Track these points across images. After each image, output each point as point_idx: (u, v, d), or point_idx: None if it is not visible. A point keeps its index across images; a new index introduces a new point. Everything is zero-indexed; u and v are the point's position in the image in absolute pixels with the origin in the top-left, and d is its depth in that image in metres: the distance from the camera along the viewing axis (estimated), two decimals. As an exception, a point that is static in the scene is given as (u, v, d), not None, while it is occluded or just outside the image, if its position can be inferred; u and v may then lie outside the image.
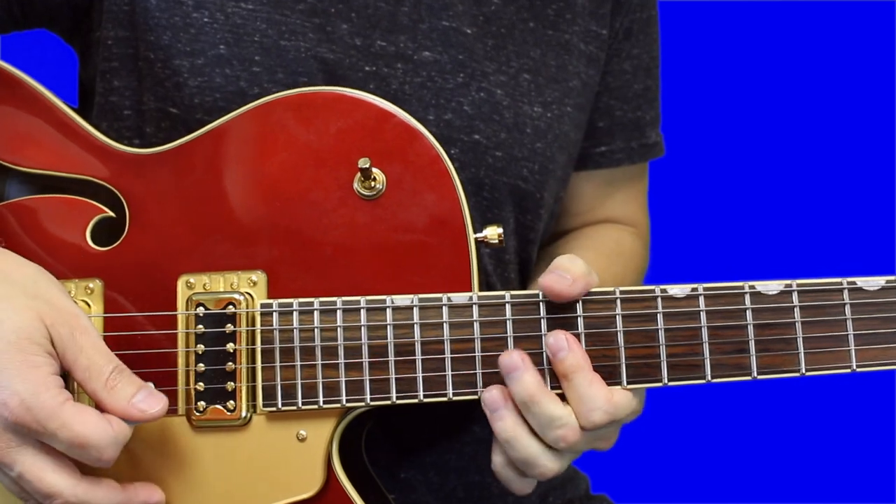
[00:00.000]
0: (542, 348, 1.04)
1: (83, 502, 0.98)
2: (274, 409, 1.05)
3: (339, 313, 1.05)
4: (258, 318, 1.06)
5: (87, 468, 0.99)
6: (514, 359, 1.03)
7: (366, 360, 1.05)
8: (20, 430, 0.95)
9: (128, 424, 0.98)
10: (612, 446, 1.07)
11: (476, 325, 1.04)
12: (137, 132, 1.19)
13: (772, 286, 1.04)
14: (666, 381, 1.03)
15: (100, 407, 0.98)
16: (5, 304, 0.97)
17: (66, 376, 0.99)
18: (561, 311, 1.04)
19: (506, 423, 1.03)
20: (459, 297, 1.05)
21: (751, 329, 1.03)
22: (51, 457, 0.97)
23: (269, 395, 1.05)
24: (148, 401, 0.99)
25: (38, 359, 0.96)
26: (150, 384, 1.00)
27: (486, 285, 1.24)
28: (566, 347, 1.02)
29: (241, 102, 1.11)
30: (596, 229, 1.41)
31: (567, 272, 1.03)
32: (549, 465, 1.04)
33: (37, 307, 0.97)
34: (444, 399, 1.04)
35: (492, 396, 1.03)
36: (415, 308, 1.05)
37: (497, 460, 1.07)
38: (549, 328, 1.04)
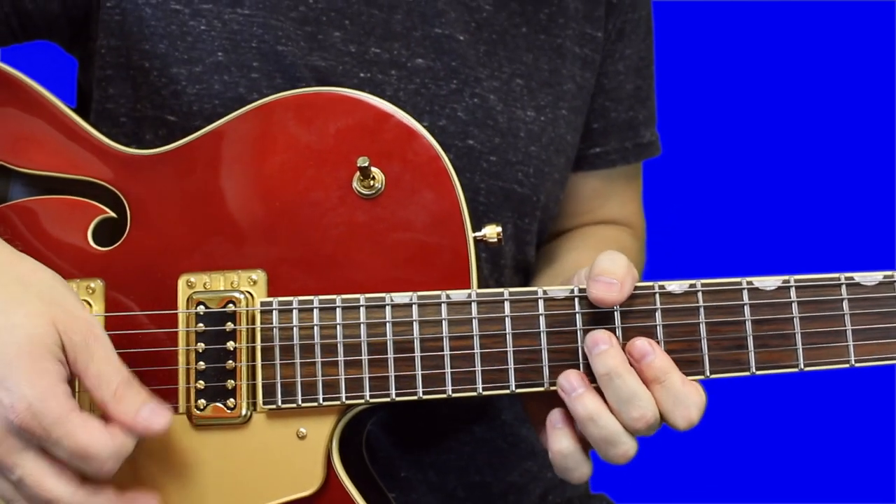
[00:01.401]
0: (540, 345, 1.04)
1: None
2: (274, 406, 1.06)
3: (338, 311, 1.05)
4: (258, 317, 1.06)
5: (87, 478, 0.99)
6: (601, 334, 1.02)
7: (365, 357, 1.05)
8: (24, 434, 0.95)
9: (131, 438, 0.98)
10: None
11: (475, 322, 1.05)
12: (134, 138, 1.19)
13: (769, 282, 1.04)
14: (665, 377, 1.03)
15: (106, 417, 0.98)
16: (20, 308, 0.97)
17: (73, 383, 0.99)
18: (559, 308, 1.04)
19: (587, 401, 1.01)
20: (458, 295, 1.05)
21: (749, 325, 1.03)
22: (52, 463, 0.97)
23: (269, 392, 1.06)
24: (153, 415, 0.99)
25: (49, 365, 0.96)
26: (156, 400, 1.00)
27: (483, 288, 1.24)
28: (652, 351, 1.02)
29: (239, 109, 1.11)
30: (596, 228, 1.41)
31: (613, 276, 1.02)
32: (630, 443, 1.02)
33: (51, 313, 0.97)
34: (444, 396, 1.05)
35: (569, 378, 1.02)
36: (414, 305, 1.05)
37: (563, 445, 1.04)
38: (548, 325, 1.04)
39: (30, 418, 0.94)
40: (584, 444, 1.04)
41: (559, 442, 1.04)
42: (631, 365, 1.02)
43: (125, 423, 0.98)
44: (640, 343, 1.02)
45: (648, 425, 1.01)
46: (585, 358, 1.03)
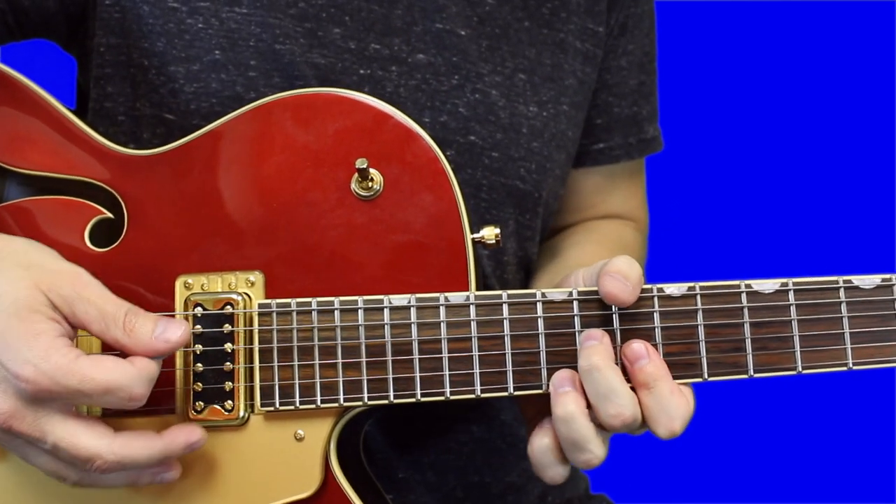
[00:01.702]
0: (538, 347, 1.04)
1: (124, 457, 0.97)
2: (272, 408, 1.05)
3: (336, 313, 1.05)
4: (256, 319, 1.06)
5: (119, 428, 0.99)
6: (596, 331, 1.02)
7: (364, 359, 1.05)
8: (42, 398, 0.95)
9: (153, 361, 0.98)
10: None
11: (473, 325, 1.05)
12: (132, 137, 1.19)
13: (768, 285, 1.04)
14: (663, 379, 1.03)
15: (125, 353, 0.98)
16: (2, 280, 0.97)
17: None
18: (557, 310, 1.04)
19: (568, 399, 1.01)
20: (456, 297, 1.05)
21: (747, 327, 1.03)
22: (80, 420, 0.97)
23: (266, 394, 1.06)
24: (169, 330, 0.98)
25: (41, 325, 0.95)
26: (166, 316, 1.00)
27: (484, 287, 1.23)
28: (646, 355, 1.02)
29: (237, 107, 1.11)
30: (598, 223, 1.41)
31: (628, 278, 1.02)
32: (597, 451, 1.01)
33: (32, 276, 0.97)
34: (442, 398, 1.04)
35: (560, 375, 1.02)
36: (412, 308, 1.05)
37: (541, 442, 1.04)
38: (546, 327, 1.04)
39: (41, 378, 0.93)
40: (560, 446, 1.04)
41: (539, 438, 1.04)
42: (623, 366, 1.02)
43: (145, 349, 0.97)
44: (636, 346, 1.02)
45: (625, 424, 1.00)
46: None
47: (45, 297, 0.96)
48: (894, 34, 2.34)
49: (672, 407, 1.01)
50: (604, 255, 1.26)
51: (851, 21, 2.35)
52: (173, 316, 1.07)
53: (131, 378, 0.96)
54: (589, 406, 1.01)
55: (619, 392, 1.00)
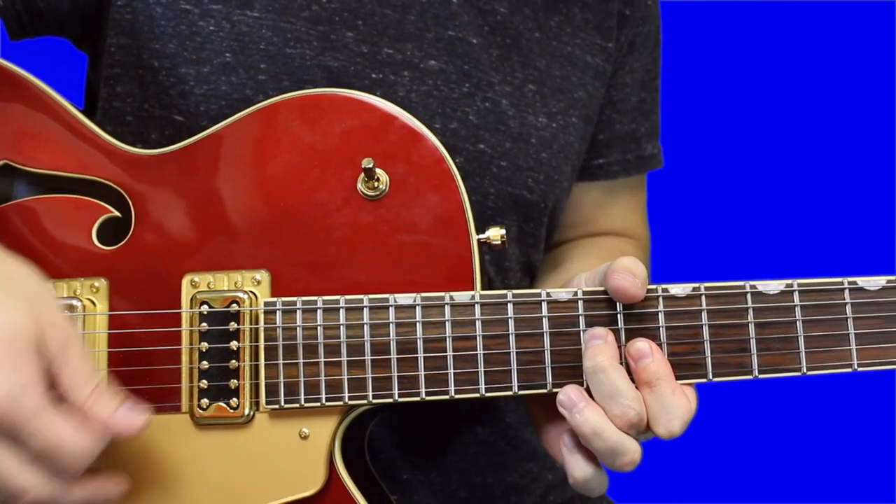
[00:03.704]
0: (543, 347, 1.04)
1: (55, 498, 0.97)
2: (277, 406, 1.06)
3: (342, 311, 1.06)
4: (262, 317, 1.06)
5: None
6: (600, 330, 1.02)
7: (368, 357, 1.05)
8: (1, 424, 0.94)
9: (103, 438, 0.97)
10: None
11: (478, 324, 1.05)
12: (140, 138, 1.19)
13: (773, 286, 1.04)
14: (667, 379, 1.04)
15: (82, 416, 0.97)
16: (6, 302, 0.97)
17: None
18: (562, 310, 1.05)
19: (589, 416, 1.00)
20: (462, 296, 1.05)
21: (752, 328, 1.03)
22: (24, 455, 0.95)
23: (271, 392, 1.06)
24: (130, 415, 0.97)
25: (27, 361, 0.94)
26: (132, 401, 0.98)
27: (487, 290, 1.24)
28: (650, 354, 1.02)
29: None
30: (599, 239, 1.41)
31: (635, 275, 1.02)
32: (635, 448, 1.01)
33: (34, 311, 0.97)
34: (447, 397, 1.05)
35: (569, 394, 1.02)
36: (417, 307, 1.05)
37: (584, 470, 1.03)
38: (551, 327, 1.04)
39: (8, 407, 0.93)
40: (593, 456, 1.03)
41: (579, 468, 1.03)
42: (628, 365, 1.02)
43: (102, 423, 0.96)
44: (640, 344, 1.02)
45: (631, 424, 1.00)
46: None
47: (41, 335, 0.96)
48: (894, 34, 2.34)
49: (673, 406, 1.01)
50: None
51: (851, 21, 2.35)
52: (179, 322, 1.07)
53: (81, 450, 0.95)
54: None
55: (623, 392, 1.00)
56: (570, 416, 1.01)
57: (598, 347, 1.01)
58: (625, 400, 1.00)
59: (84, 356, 0.98)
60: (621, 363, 1.03)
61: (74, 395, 0.97)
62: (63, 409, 0.96)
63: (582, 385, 1.03)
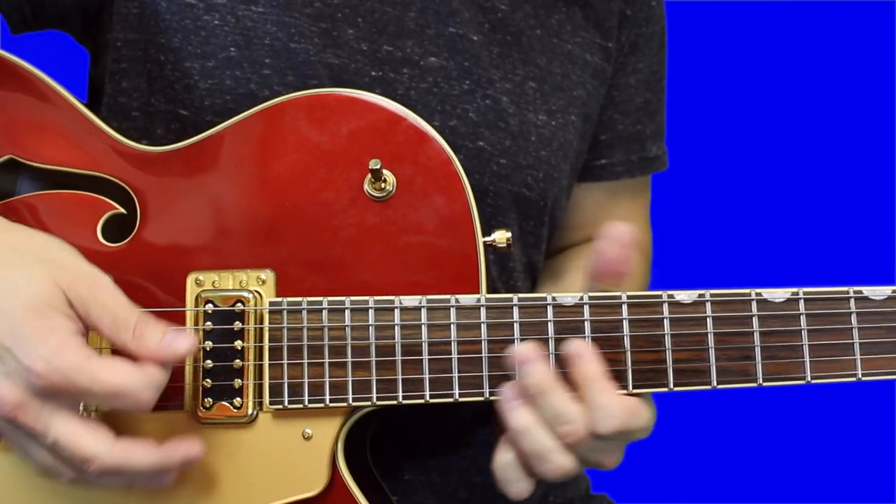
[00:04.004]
0: (548, 351, 1.04)
1: (121, 463, 0.98)
2: (280, 406, 1.06)
3: (347, 313, 1.05)
4: (266, 316, 1.06)
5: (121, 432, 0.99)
6: (526, 351, 1.03)
7: (373, 359, 1.05)
8: (51, 393, 0.95)
9: (162, 368, 0.98)
10: (618, 465, 1.07)
11: (483, 327, 1.05)
12: (145, 133, 1.19)
13: (778, 294, 1.04)
14: (672, 386, 1.04)
15: (132, 357, 0.98)
16: (19, 272, 0.97)
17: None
18: (568, 315, 1.05)
19: (520, 414, 1.02)
20: (467, 299, 1.05)
21: (757, 336, 1.03)
22: (84, 422, 0.97)
23: (275, 392, 1.06)
24: (176, 341, 0.99)
25: (57, 322, 0.96)
26: (176, 326, 1.01)
27: (491, 292, 1.24)
28: (582, 356, 1.02)
29: (251, 105, 1.11)
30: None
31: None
32: (561, 460, 1.02)
33: (51, 272, 0.97)
34: (451, 400, 1.05)
35: (509, 389, 1.03)
36: (423, 309, 1.05)
37: (504, 458, 1.05)
38: (557, 331, 1.04)
39: (52, 374, 0.94)
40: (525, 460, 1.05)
41: (502, 454, 1.05)
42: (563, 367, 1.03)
43: (152, 356, 0.98)
44: (573, 346, 1.03)
45: (579, 439, 1.01)
46: None
47: (62, 294, 0.97)
48: (894, 34, 2.34)
49: (603, 405, 1.01)
50: None
51: (851, 21, 2.34)
52: (183, 320, 1.07)
53: (139, 384, 0.96)
54: None
55: (567, 411, 1.01)
56: (505, 413, 1.03)
57: (535, 370, 1.02)
58: (569, 417, 1.01)
59: (116, 298, 0.99)
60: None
61: (119, 340, 0.99)
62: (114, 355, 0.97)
63: None
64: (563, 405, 1.02)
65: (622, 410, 1.02)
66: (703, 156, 2.28)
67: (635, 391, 1.04)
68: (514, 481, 1.06)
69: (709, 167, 2.31)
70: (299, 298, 1.06)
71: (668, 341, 1.04)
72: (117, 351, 1.00)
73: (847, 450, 2.33)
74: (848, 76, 2.34)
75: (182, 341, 0.99)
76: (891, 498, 2.31)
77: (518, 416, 1.02)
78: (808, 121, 2.34)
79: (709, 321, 1.04)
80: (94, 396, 0.96)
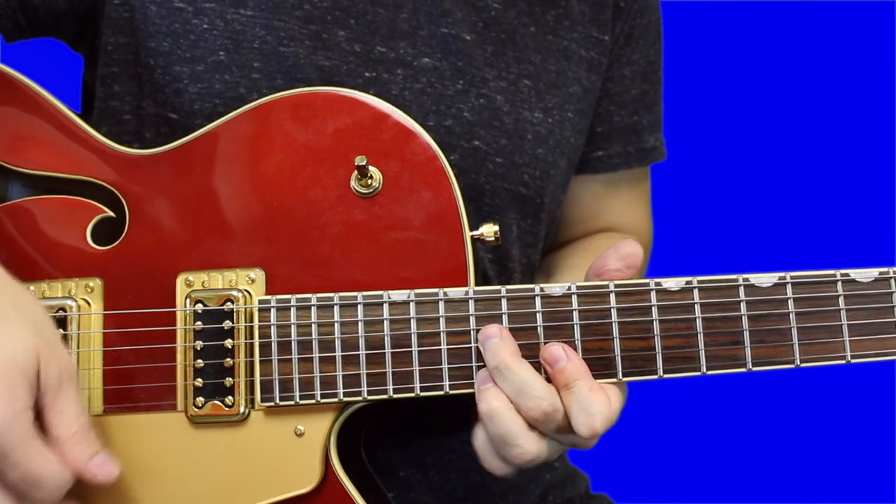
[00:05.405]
0: (537, 341, 1.04)
1: None
2: (272, 403, 1.06)
3: (336, 309, 1.06)
4: (256, 315, 1.07)
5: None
6: (492, 328, 1.03)
7: (363, 353, 1.05)
8: None
9: (74, 477, 0.97)
10: (595, 444, 1.06)
11: (472, 319, 1.05)
12: (137, 136, 1.20)
13: (765, 278, 1.04)
14: (661, 373, 1.04)
15: (56, 451, 0.97)
16: (11, 329, 0.97)
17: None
18: (556, 305, 1.05)
19: (488, 395, 1.02)
20: (456, 292, 1.06)
21: (745, 321, 1.03)
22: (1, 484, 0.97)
23: (266, 390, 1.06)
24: (103, 466, 0.98)
25: (23, 390, 0.95)
26: (107, 453, 0.99)
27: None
28: (564, 357, 1.02)
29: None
30: (597, 242, 1.40)
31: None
32: (528, 445, 1.02)
33: (37, 342, 0.97)
34: (441, 393, 1.05)
35: (481, 373, 1.03)
36: (411, 303, 1.05)
37: (478, 435, 1.05)
38: (545, 321, 1.04)
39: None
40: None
41: (478, 431, 1.05)
42: (544, 369, 1.03)
43: (76, 465, 0.97)
44: (553, 348, 1.03)
45: (546, 415, 1.00)
46: (584, 354, 1.04)
47: (37, 367, 0.96)
48: (894, 34, 2.34)
49: (591, 403, 1.01)
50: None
51: (851, 21, 2.35)
52: (174, 321, 1.08)
53: (57, 484, 0.96)
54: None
55: (532, 384, 1.01)
56: (476, 395, 1.03)
57: (497, 344, 1.02)
58: (536, 392, 1.01)
59: (75, 395, 0.99)
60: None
61: (57, 432, 0.98)
62: (44, 441, 0.96)
63: None
64: (529, 378, 1.01)
65: (608, 407, 1.02)
66: (692, 146, 2.29)
67: (625, 379, 1.04)
68: (488, 459, 1.05)
69: (698, 158, 2.32)
70: (288, 296, 1.06)
71: (656, 328, 1.04)
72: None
73: (847, 450, 2.32)
74: (848, 75, 2.34)
75: (107, 470, 0.98)
76: (891, 498, 2.31)
77: (486, 398, 1.02)
78: (806, 118, 2.34)
79: (697, 307, 1.04)
80: (14, 473, 0.95)
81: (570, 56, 1.30)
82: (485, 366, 1.04)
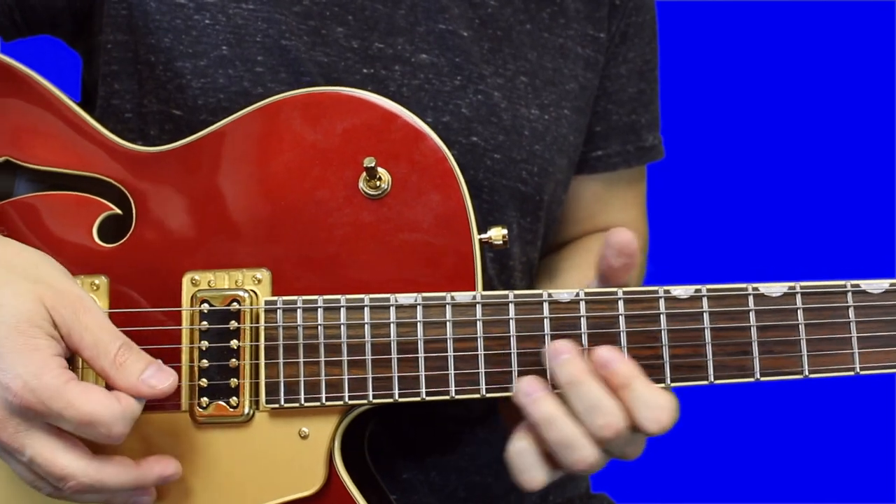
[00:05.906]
0: (544, 348, 1.04)
1: (96, 482, 0.98)
2: (276, 405, 1.05)
3: (342, 311, 1.05)
4: (262, 315, 1.06)
5: (100, 447, 0.99)
6: (560, 345, 1.02)
7: (369, 357, 1.05)
8: (26, 413, 0.95)
9: (137, 401, 0.98)
10: (640, 455, 1.06)
11: (479, 324, 1.05)
12: (140, 134, 1.19)
13: (775, 288, 1.04)
14: (669, 381, 1.03)
15: (109, 385, 0.98)
16: (6, 288, 0.97)
17: (73, 360, 1.00)
18: (564, 311, 1.04)
19: (546, 404, 1.00)
20: (463, 296, 1.05)
21: (754, 331, 1.03)
22: (61, 439, 0.97)
23: (271, 391, 1.06)
24: (157, 376, 0.99)
25: (40, 341, 0.95)
26: (159, 361, 1.00)
27: (489, 290, 1.24)
28: (616, 358, 1.01)
29: (244, 103, 1.12)
30: (596, 241, 1.40)
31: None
32: (589, 451, 1.00)
33: (38, 290, 0.97)
34: (447, 397, 1.04)
35: (528, 382, 1.02)
36: (418, 306, 1.05)
37: (519, 445, 1.03)
38: (552, 328, 1.04)
39: (28, 395, 0.94)
40: (543, 450, 1.03)
41: (516, 441, 1.03)
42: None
43: (129, 388, 0.97)
44: (604, 351, 1.02)
45: (617, 432, 1.00)
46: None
47: (47, 314, 0.97)
48: (894, 34, 2.34)
49: (654, 399, 1.00)
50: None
51: (851, 21, 2.35)
52: (179, 320, 1.07)
53: (114, 415, 0.96)
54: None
55: (604, 403, 1.00)
56: (526, 404, 1.01)
57: (570, 361, 1.01)
58: (607, 409, 0.99)
59: (100, 322, 0.99)
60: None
61: (97, 365, 0.98)
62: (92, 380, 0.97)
63: None
64: (601, 397, 1.00)
65: (669, 401, 1.01)
66: (700, 151, 2.29)
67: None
68: (528, 469, 1.03)
69: (707, 162, 2.32)
70: (294, 297, 1.06)
71: (664, 337, 1.03)
72: None
73: (847, 450, 2.33)
74: (848, 75, 2.34)
75: (162, 377, 0.99)
76: (891, 498, 2.31)
77: (542, 406, 1.00)
78: (808, 119, 2.34)
79: (705, 316, 1.03)
80: (66, 422, 0.95)
81: (566, 53, 1.29)
82: (500, 373, 1.03)
